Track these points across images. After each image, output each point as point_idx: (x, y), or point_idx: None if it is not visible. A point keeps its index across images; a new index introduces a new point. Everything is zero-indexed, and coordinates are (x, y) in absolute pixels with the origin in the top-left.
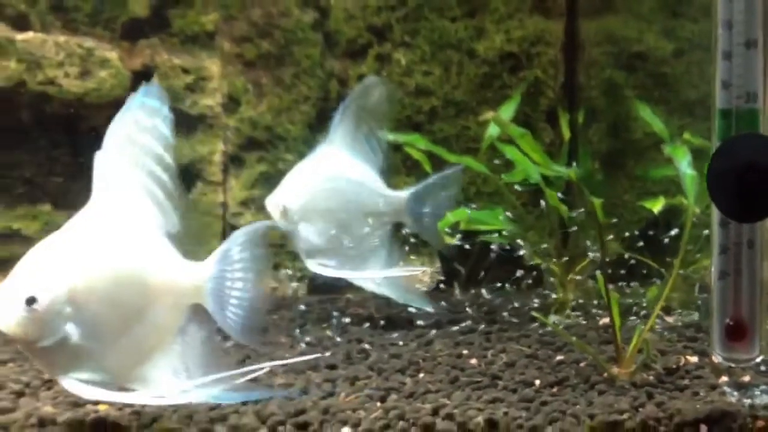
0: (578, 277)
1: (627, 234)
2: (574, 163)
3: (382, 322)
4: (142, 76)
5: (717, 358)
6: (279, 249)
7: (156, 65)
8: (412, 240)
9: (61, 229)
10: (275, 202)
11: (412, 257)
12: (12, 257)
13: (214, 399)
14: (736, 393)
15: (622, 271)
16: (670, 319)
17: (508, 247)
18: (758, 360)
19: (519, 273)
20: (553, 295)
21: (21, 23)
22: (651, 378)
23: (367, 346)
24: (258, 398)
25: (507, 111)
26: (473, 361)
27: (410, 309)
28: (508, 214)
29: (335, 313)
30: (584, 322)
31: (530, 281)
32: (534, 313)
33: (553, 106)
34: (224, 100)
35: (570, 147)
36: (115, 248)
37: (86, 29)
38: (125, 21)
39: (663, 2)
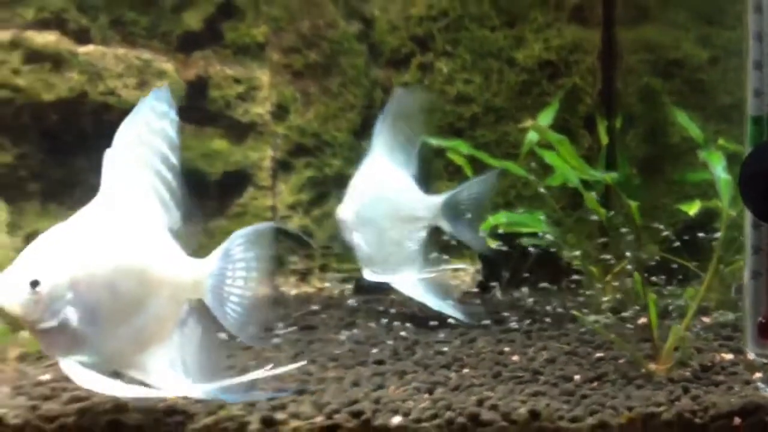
0: (615, 283)
1: (664, 235)
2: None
3: (426, 321)
4: (196, 86)
5: (751, 356)
6: (326, 250)
7: (209, 76)
8: (453, 243)
9: (69, 219)
10: (337, 216)
11: (454, 260)
12: None
13: (211, 396)
14: None
15: (662, 276)
16: (706, 320)
17: (547, 249)
18: None
19: (558, 274)
20: (592, 296)
21: (83, 37)
22: (687, 374)
23: (412, 343)
24: (254, 399)
25: (546, 117)
26: (515, 357)
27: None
28: (547, 216)
29: (381, 312)
30: (621, 322)
31: (569, 282)
32: (574, 312)
33: (590, 113)
34: (274, 109)
35: (608, 152)
36: (118, 240)
37: (144, 42)
38: (180, 34)
39: (698, 11)
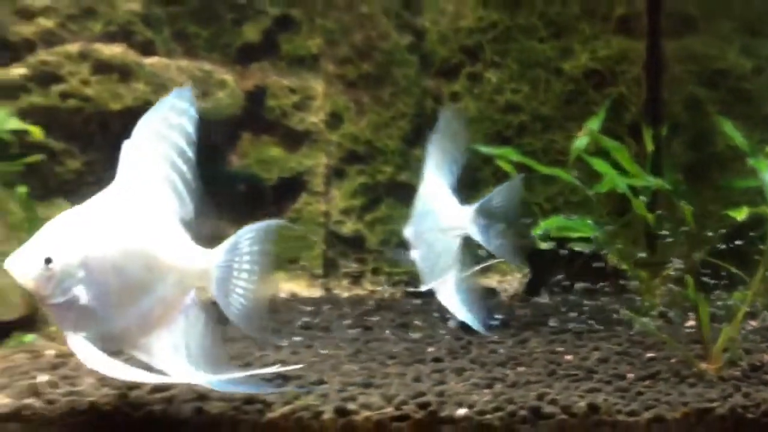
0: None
1: (712, 240)
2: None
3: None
4: (254, 96)
5: None
6: (378, 255)
7: (266, 86)
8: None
9: (84, 202)
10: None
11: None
12: None
13: (213, 385)
14: None
15: (713, 281)
16: (753, 323)
17: (595, 253)
18: None
19: (605, 278)
20: (639, 299)
21: (148, 49)
22: (737, 373)
23: (466, 342)
24: (254, 392)
25: (593, 126)
26: (568, 357)
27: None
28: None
29: (435, 314)
30: (671, 324)
31: (617, 286)
32: (626, 312)
33: (636, 121)
34: (328, 118)
35: (653, 160)
36: (130, 225)
37: (205, 54)
38: (239, 46)
39: (742, 22)
